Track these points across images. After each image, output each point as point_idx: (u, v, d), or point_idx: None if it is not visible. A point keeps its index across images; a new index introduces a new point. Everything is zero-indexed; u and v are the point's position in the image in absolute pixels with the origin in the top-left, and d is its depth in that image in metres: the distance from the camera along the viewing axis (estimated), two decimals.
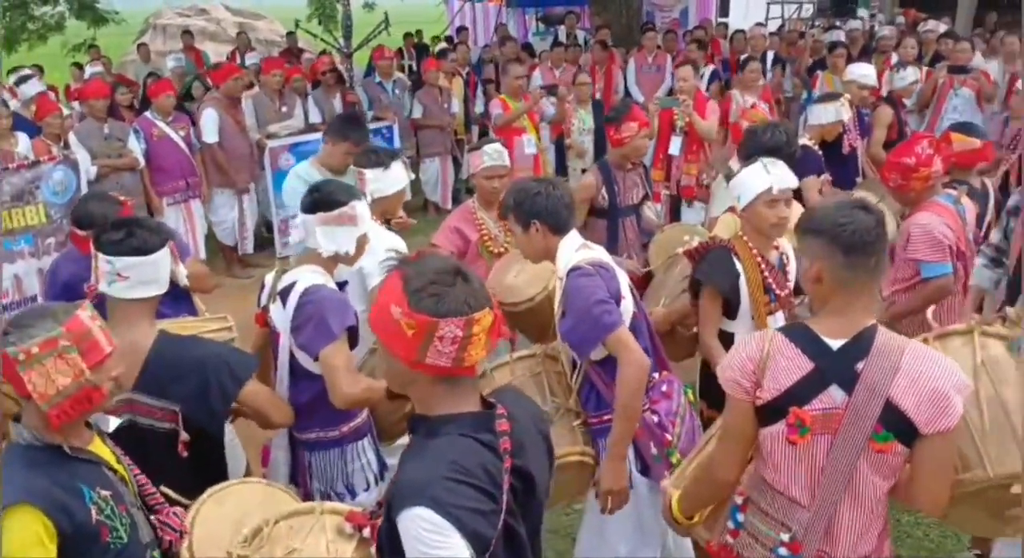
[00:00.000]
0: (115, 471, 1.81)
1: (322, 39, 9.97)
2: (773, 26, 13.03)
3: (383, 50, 8.23)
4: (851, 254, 1.74)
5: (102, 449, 1.82)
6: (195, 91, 7.77)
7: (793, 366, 1.77)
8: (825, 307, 1.83)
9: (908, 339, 1.79)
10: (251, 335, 2.67)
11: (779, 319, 2.82)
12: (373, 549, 1.71)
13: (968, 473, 1.89)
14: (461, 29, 12.90)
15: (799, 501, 1.81)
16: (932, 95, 6.74)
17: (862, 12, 13.82)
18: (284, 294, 2.44)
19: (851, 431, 1.72)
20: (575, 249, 2.51)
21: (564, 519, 3.38)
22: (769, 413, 1.79)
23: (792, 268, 2.91)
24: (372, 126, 7.09)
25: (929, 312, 3.10)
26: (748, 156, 3.12)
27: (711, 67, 8.14)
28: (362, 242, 2.55)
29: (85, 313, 1.72)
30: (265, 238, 7.47)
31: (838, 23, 11.81)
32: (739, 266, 2.78)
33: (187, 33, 11.50)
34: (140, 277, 2.18)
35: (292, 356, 2.44)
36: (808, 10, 15.75)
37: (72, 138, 5.80)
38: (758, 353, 1.80)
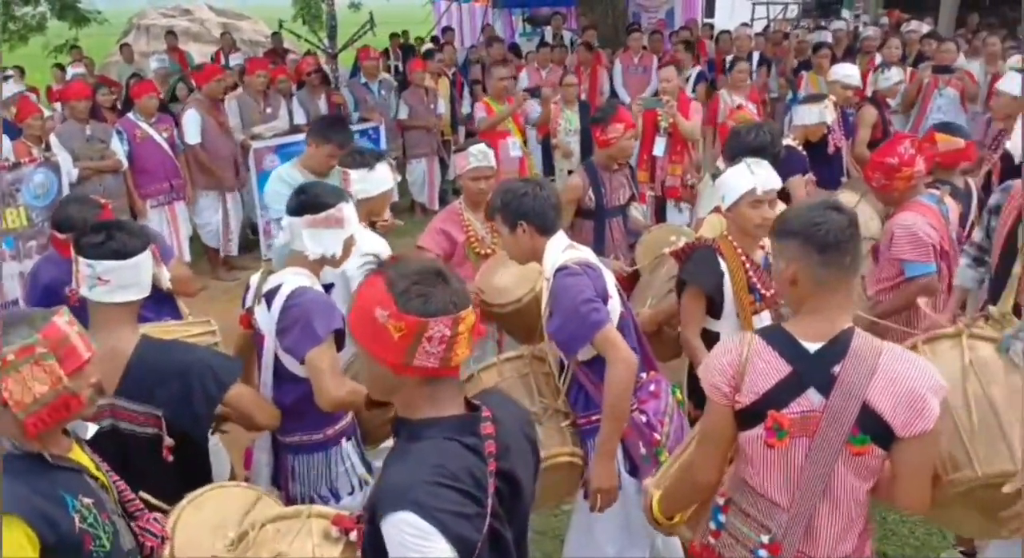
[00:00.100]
0: (96, 478, 1.78)
1: (307, 40, 9.89)
2: (758, 27, 13.14)
3: (369, 51, 8.18)
4: (826, 252, 1.75)
5: (81, 456, 1.79)
6: (179, 92, 7.71)
7: (771, 369, 1.78)
8: (801, 308, 1.84)
9: (884, 341, 1.80)
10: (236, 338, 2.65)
11: (765, 318, 2.82)
12: (359, 553, 1.70)
13: (957, 473, 1.90)
14: (447, 30, 12.87)
15: (778, 503, 1.82)
16: (917, 95, 6.79)
17: (846, 13, 13.92)
18: (269, 296, 2.42)
19: (828, 434, 1.73)
20: (562, 250, 2.51)
21: (552, 521, 3.38)
22: (748, 417, 1.80)
23: None
24: (358, 127, 7.06)
25: (923, 302, 3.12)
26: (733, 157, 3.14)
27: (697, 68, 8.16)
28: (349, 244, 2.54)
29: (62, 319, 1.69)
30: (250, 240, 7.43)
31: (823, 23, 11.90)
32: (724, 266, 2.79)
33: (171, 34, 11.40)
34: (121, 281, 2.16)
35: (276, 358, 2.42)
36: (793, 11, 15.90)
37: (54, 140, 5.72)
38: (737, 357, 1.80)
